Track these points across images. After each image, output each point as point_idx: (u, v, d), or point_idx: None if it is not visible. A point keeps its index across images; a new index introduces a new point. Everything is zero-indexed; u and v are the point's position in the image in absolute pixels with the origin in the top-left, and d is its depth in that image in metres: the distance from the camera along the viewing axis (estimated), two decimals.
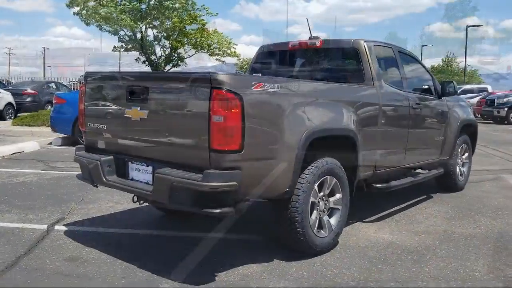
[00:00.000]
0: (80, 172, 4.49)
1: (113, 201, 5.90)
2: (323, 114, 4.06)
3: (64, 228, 4.77)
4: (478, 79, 65.02)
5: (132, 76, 4.11)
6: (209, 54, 22.55)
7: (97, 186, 4.39)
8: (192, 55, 23.05)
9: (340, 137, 4.24)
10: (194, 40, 21.28)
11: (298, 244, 3.95)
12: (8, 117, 17.60)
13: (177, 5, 19.79)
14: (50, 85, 21.43)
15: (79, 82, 28.65)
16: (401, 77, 5.42)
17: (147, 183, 3.87)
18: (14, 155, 9.44)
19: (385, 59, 5.25)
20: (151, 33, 21.90)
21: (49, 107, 19.96)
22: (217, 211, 3.35)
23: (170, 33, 21.02)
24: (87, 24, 20.42)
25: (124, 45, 22.28)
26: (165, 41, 21.64)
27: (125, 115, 3.90)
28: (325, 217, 4.17)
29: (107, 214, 5.34)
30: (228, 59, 24.35)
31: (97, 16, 19.38)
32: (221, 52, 22.54)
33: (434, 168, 6.30)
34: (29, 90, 19.54)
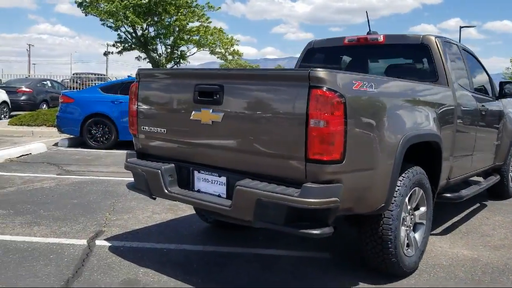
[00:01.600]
0: (133, 181, 3.99)
1: (148, 210, 5.39)
2: (415, 117, 3.60)
3: (107, 244, 4.24)
4: None
5: (201, 73, 3.61)
6: (210, 52, 21.97)
7: (154, 199, 3.87)
8: (194, 53, 22.49)
9: (429, 143, 3.79)
10: (197, 37, 20.67)
11: (388, 266, 3.48)
12: (3, 116, 16.83)
13: (180, 1, 19.13)
14: (44, 83, 20.62)
15: (72, 80, 27.93)
16: (467, 77, 5.00)
17: (218, 195, 3.37)
18: (22, 157, 8.83)
19: (453, 57, 4.81)
20: (151, 30, 21.24)
21: (44, 105, 19.28)
22: (317, 232, 2.88)
23: (171, 30, 20.36)
24: (86, 14, 19.64)
25: (119, 44, 21.51)
26: (167, 38, 20.96)
27: (192, 118, 3.40)
28: (411, 234, 3.72)
29: (147, 226, 4.82)
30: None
31: (99, 10, 18.67)
32: (223, 50, 21.96)
33: (488, 174, 5.91)
34: (24, 88, 18.73)
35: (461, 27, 50.49)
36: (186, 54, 22.24)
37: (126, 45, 21.55)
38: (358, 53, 5.23)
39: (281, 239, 4.38)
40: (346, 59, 5.34)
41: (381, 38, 4.86)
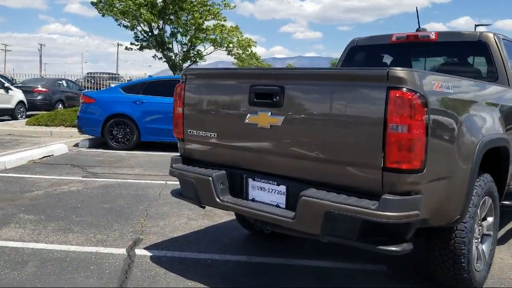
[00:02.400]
0: (178, 188, 3.75)
1: (183, 216, 5.15)
2: (487, 121, 3.32)
3: (148, 253, 4.01)
4: None
5: (258, 73, 3.36)
6: (228, 53, 21.71)
7: (203, 207, 3.63)
8: (211, 52, 22.23)
9: (499, 148, 3.50)
10: (214, 36, 20.43)
11: (459, 282, 3.21)
12: (20, 116, 16.69)
13: None
14: (60, 82, 20.50)
15: (85, 80, 27.87)
16: None
17: (276, 206, 3.12)
18: (45, 159, 8.64)
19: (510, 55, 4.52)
20: (167, 29, 21.03)
21: (60, 105, 19.17)
22: (397, 249, 2.61)
23: (188, 29, 20.12)
24: (103, 15, 19.51)
25: (137, 42, 21.37)
26: (183, 37, 20.79)
27: (247, 122, 3.15)
28: (480, 246, 3.44)
29: (186, 234, 4.59)
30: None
31: (115, 9, 18.49)
32: (240, 51, 21.67)
33: None
34: (40, 88, 18.61)
35: (476, 25, 50.14)
36: (202, 54, 22.01)
37: (144, 43, 21.36)
38: (407, 51, 4.96)
39: (329, 249, 4.12)
40: (393, 57, 5.06)
41: (433, 35, 4.59)
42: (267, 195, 3.17)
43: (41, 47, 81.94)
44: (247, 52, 21.55)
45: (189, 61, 21.58)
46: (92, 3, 19.37)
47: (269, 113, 3.03)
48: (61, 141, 11.14)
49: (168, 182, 6.83)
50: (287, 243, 4.34)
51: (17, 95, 16.77)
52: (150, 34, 20.74)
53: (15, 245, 4.12)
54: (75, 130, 12.80)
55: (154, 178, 7.24)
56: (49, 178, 6.99)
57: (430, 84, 2.71)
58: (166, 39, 20.63)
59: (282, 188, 3.08)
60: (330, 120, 2.82)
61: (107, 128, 10.08)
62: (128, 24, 19.90)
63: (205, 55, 21.97)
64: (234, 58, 22.60)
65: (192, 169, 3.49)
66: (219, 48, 21.40)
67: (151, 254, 4.00)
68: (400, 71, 2.56)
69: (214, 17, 20.37)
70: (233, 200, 3.27)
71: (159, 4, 18.75)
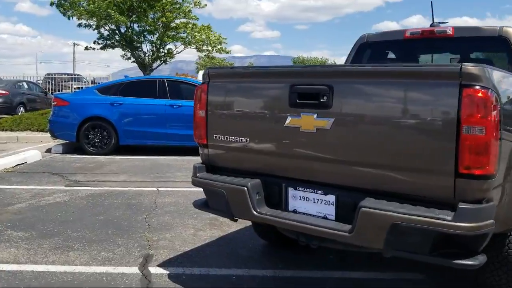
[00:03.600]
0: (201, 199, 3.42)
1: (189, 226, 4.80)
2: None
3: (163, 271, 3.65)
4: None
5: (300, 71, 3.05)
6: (197, 50, 21.19)
7: (235, 220, 3.30)
8: (181, 51, 21.64)
9: None
10: (184, 35, 19.87)
11: None
12: None
13: None
14: (20, 84, 19.45)
15: (45, 81, 26.63)
16: None
17: (324, 217, 2.84)
18: (18, 167, 8.03)
19: None
20: (135, 27, 20.26)
21: (22, 108, 18.21)
22: (474, 262, 2.39)
23: (156, 27, 19.49)
24: (68, 17, 18.64)
25: (101, 41, 20.53)
26: (151, 35, 20.12)
27: (287, 125, 2.85)
28: None
29: (199, 247, 4.24)
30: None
31: (81, 8, 17.65)
32: (210, 48, 21.19)
33: None
34: (0, 90, 17.59)
35: (431, 24, 51.30)
36: (173, 52, 21.40)
37: (108, 42, 20.55)
38: (421, 47, 4.79)
39: (357, 259, 3.88)
40: (407, 54, 4.87)
41: (450, 31, 4.42)
42: (312, 206, 2.89)
43: None
44: (217, 48, 21.02)
45: (159, 61, 20.98)
46: (52, 3, 18.38)
47: (315, 115, 2.74)
48: (31, 147, 10.49)
49: (160, 189, 6.45)
50: (310, 254, 4.07)
51: None
52: (117, 32, 19.98)
53: (11, 268, 3.66)
54: (44, 135, 12.18)
55: (142, 184, 6.82)
56: (29, 188, 6.44)
57: (499, 81, 2.50)
58: (135, 38, 19.92)
59: (331, 197, 2.81)
60: (391, 122, 2.56)
61: (83, 132, 9.51)
62: (92, 24, 19.09)
63: (175, 54, 21.44)
64: (204, 55, 21.99)
65: (222, 178, 3.16)
66: (189, 47, 20.88)
67: (167, 272, 3.64)
68: (473, 67, 2.33)
69: (185, 16, 19.84)
70: (271, 212, 2.97)
71: (127, 2, 18.04)
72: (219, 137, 3.22)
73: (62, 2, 18.42)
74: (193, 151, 9.83)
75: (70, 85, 25.67)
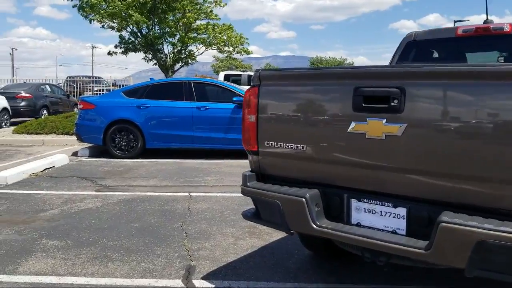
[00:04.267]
0: (251, 209, 3.20)
1: (227, 234, 4.60)
2: None
3: (209, 285, 3.45)
4: None
5: (366, 72, 2.81)
6: (218, 51, 21.02)
7: (292, 234, 3.08)
8: (202, 52, 21.50)
9: None
10: (205, 35, 19.72)
11: None
12: (4, 124, 15.79)
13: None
14: (43, 87, 19.54)
15: (66, 84, 26.76)
16: None
17: (392, 232, 2.60)
18: (46, 171, 7.94)
19: None
20: (157, 29, 20.14)
21: (45, 111, 18.28)
22: None
23: (178, 29, 19.36)
24: (90, 20, 18.68)
25: (122, 45, 20.50)
26: (172, 37, 19.98)
27: (351, 131, 2.63)
28: None
29: (241, 258, 4.03)
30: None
31: (101, 11, 17.62)
32: (231, 49, 21.00)
33: None
34: (24, 94, 17.62)
35: (455, 21, 50.87)
36: (194, 54, 21.28)
37: (130, 45, 20.52)
38: (473, 45, 4.51)
39: (412, 272, 3.62)
40: (459, 52, 4.60)
41: (507, 28, 4.14)
42: (378, 219, 2.65)
43: (12, 51, 79.55)
44: (238, 49, 20.79)
45: (180, 62, 20.87)
46: (75, 6, 18.41)
47: (384, 121, 2.51)
48: (57, 150, 10.44)
49: (192, 194, 6.27)
50: (360, 265, 3.83)
51: (0, 101, 15.84)
52: (138, 35, 19.92)
53: (50, 281, 3.51)
54: (69, 138, 12.15)
55: (173, 189, 6.65)
56: (59, 194, 6.33)
57: None
58: (156, 40, 19.82)
59: (401, 210, 2.57)
60: (473, 128, 2.31)
61: (109, 135, 9.41)
62: (115, 25, 19.06)
63: (197, 55, 21.30)
64: (226, 56, 21.79)
65: (276, 188, 2.95)
66: (210, 48, 20.73)
67: (213, 285, 3.45)
68: None
69: (206, 16, 19.71)
70: (333, 226, 2.74)
71: (148, 4, 17.96)
72: (271, 144, 3.01)
73: (84, 5, 18.42)
74: (218, 154, 9.76)
75: (91, 88, 25.81)
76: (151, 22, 18.94)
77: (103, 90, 24.68)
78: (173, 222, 5.00)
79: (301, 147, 2.88)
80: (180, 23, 19.39)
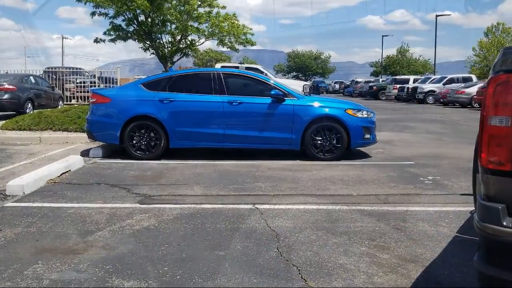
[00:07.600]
0: (481, 254, 2.20)
1: (350, 268, 3.58)
2: None
3: None
4: (431, 69, 66.30)
5: None
6: (219, 42, 19.74)
7: None
8: (203, 42, 20.17)
9: None
10: (207, 25, 18.43)
11: None
12: None
13: None
14: (27, 78, 17.91)
15: (45, 75, 24.97)
16: None
17: None
18: (64, 176, 6.71)
19: None
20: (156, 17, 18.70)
21: (29, 105, 16.77)
22: None
23: (179, 17, 17.99)
24: (85, 2, 17.20)
25: (113, 33, 19.02)
26: (171, 25, 18.63)
27: None
28: None
29: None
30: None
31: None
32: (233, 39, 19.74)
33: None
34: (7, 85, 15.99)
35: (437, 15, 51.34)
36: (196, 43, 19.96)
37: (121, 33, 19.05)
38: None
39: None
40: None
41: None
42: None
43: None
44: (241, 39, 19.55)
45: (180, 53, 19.52)
46: None
47: None
48: (59, 149, 9.18)
49: (259, 207, 5.21)
50: None
51: None
52: (134, 22, 18.47)
53: None
54: (68, 134, 10.94)
55: (231, 200, 5.58)
56: (96, 207, 5.16)
57: None
58: (155, 29, 18.42)
59: None
60: None
61: (127, 133, 8.20)
62: (111, 11, 17.59)
63: (198, 45, 19.99)
64: (227, 47, 20.55)
65: None
66: (211, 38, 19.44)
67: None
68: None
69: (209, 5, 18.46)
70: None
71: None
72: None
73: None
74: (244, 155, 8.68)
75: (73, 79, 24.13)
76: (151, 9, 17.47)
77: (85, 82, 23.14)
78: (267, 249, 3.94)
79: None
80: (183, 9, 17.99)
